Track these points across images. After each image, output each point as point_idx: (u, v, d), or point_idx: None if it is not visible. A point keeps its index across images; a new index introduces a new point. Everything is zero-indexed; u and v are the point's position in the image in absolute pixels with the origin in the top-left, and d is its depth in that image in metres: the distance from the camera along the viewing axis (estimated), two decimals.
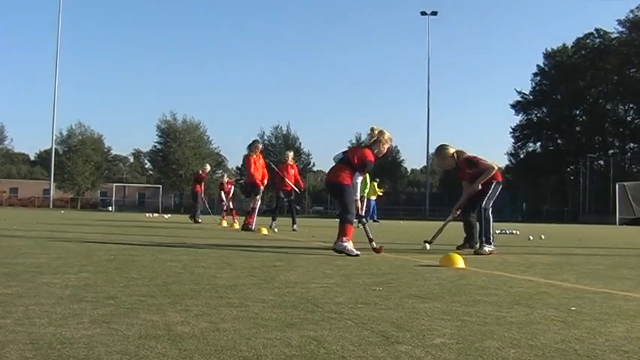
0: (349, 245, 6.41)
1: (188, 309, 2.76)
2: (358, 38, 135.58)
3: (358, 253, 6.28)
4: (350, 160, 6.83)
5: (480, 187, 7.16)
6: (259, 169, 12.93)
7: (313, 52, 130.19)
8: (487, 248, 6.83)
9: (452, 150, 7.42)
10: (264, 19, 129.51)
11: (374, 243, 6.76)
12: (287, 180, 13.36)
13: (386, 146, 6.93)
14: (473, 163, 7.25)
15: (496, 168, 7.27)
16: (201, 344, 2.08)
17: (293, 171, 13.80)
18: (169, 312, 2.67)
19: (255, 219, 12.74)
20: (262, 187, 13.09)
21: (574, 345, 2.23)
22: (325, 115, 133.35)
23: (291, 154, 14.49)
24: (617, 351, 2.17)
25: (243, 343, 2.11)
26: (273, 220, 13.04)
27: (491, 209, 7.11)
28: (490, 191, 7.14)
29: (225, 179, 20.22)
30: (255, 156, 12.89)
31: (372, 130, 6.94)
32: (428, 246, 7.33)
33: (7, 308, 2.66)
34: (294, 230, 12.89)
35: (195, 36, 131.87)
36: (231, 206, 18.72)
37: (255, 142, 13.23)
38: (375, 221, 20.85)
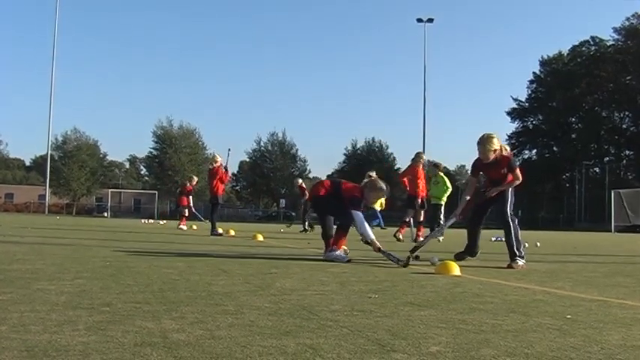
0: (339, 252, 6.53)
1: (183, 316, 2.75)
2: (355, 46, 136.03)
3: (349, 258, 6.39)
4: (340, 188, 6.79)
5: (495, 193, 6.70)
6: (422, 180, 13.24)
7: (310, 58, 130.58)
8: (521, 262, 6.40)
9: (497, 142, 6.70)
10: (262, 27, 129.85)
11: (400, 262, 6.20)
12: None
13: (373, 195, 6.85)
14: (513, 167, 6.72)
15: (520, 181, 6.79)
16: (196, 352, 2.07)
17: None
18: (165, 319, 2.67)
19: (422, 231, 13.18)
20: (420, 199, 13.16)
21: (569, 353, 2.23)
22: (321, 121, 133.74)
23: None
24: (613, 359, 2.17)
25: (239, 351, 2.10)
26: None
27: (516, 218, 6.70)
28: (509, 197, 6.71)
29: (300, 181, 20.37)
30: (419, 167, 13.26)
31: (369, 176, 7.04)
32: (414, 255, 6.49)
33: (2, 315, 2.65)
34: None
35: (191, 43, 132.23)
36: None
37: (419, 153, 13.60)
38: (382, 228, 21.00)
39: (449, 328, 2.65)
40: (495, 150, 6.62)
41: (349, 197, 6.66)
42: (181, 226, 18.82)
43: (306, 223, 18.07)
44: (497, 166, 6.70)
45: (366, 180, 7.11)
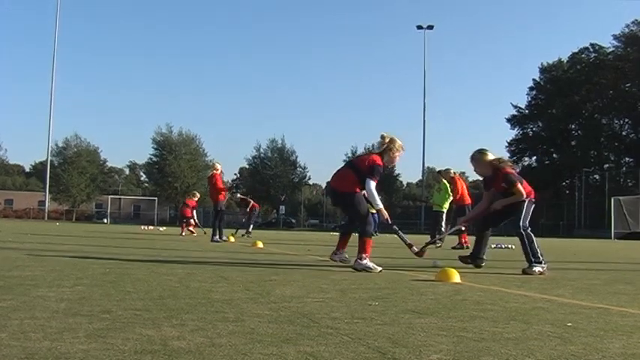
0: (369, 262, 6.12)
1: (184, 323, 2.75)
2: (355, 53, 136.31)
3: (380, 269, 6.05)
4: (357, 166, 6.57)
5: (500, 207, 6.74)
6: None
7: (310, 65, 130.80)
8: (537, 268, 6.36)
9: (491, 156, 6.85)
10: (262, 35, 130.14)
11: (414, 247, 6.77)
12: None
13: (397, 154, 6.63)
14: (511, 182, 6.69)
15: (525, 196, 6.69)
16: None
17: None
18: (165, 326, 2.66)
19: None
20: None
21: None
22: (321, 128, 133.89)
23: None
24: None
25: (239, 359, 2.10)
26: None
27: (529, 227, 6.64)
28: (524, 210, 6.65)
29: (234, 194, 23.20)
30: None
31: (383, 137, 6.65)
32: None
33: (2, 322, 2.65)
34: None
35: (191, 49, 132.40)
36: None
37: (448, 169, 14.31)
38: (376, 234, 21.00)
39: (449, 336, 2.65)
40: (490, 162, 6.76)
41: (369, 166, 6.39)
42: (191, 229, 20.31)
43: (250, 227, 20.56)
44: (497, 180, 6.79)
45: (381, 141, 6.69)
